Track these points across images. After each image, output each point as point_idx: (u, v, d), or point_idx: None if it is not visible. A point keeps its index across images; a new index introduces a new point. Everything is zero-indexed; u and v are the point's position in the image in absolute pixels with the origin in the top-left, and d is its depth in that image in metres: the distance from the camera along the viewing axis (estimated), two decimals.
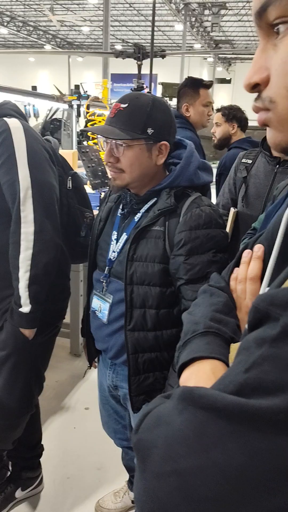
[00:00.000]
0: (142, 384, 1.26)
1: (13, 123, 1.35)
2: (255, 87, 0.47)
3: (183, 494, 0.34)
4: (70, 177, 1.61)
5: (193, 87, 2.47)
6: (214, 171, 2.66)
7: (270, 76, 0.45)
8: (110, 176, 1.28)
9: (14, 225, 1.32)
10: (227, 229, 2.07)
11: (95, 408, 2.44)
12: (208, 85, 2.48)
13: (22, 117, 1.46)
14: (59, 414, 2.42)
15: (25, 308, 1.35)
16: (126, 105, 1.17)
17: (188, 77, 2.64)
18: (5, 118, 1.36)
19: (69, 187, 1.60)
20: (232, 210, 2.09)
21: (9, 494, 1.80)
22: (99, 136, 1.27)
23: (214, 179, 2.67)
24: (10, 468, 1.85)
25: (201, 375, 0.57)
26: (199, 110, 2.47)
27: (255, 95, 0.48)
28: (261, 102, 0.47)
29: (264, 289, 0.58)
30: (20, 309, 1.35)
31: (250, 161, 2.04)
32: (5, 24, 22.20)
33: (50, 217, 1.37)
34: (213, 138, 2.99)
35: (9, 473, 1.86)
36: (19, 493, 1.82)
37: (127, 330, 1.23)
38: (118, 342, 1.29)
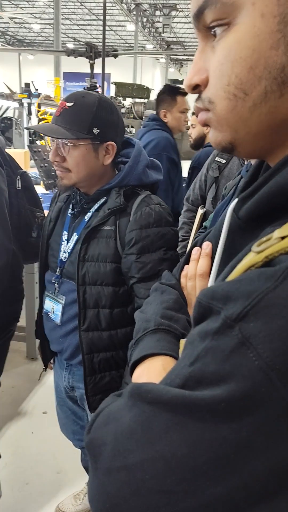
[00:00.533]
0: (98, 384, 1.26)
1: None
2: (196, 88, 0.48)
3: (132, 488, 0.35)
4: (18, 176, 1.57)
5: (171, 94, 2.60)
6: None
7: (209, 78, 0.46)
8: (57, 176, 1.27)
9: None
10: (193, 228, 2.10)
11: (53, 411, 2.40)
12: (185, 92, 2.56)
13: None
14: (16, 419, 2.37)
15: None
16: (71, 104, 1.16)
17: (166, 84, 2.80)
18: None
19: (18, 187, 1.56)
20: (200, 210, 2.09)
21: None
22: (45, 135, 1.25)
23: (186, 173, 2.74)
24: None
25: (152, 371, 0.58)
26: (176, 116, 2.63)
27: None
28: (201, 102, 0.48)
29: (211, 284, 0.60)
30: None
31: (224, 161, 2.02)
32: None
33: (0, 222, 1.34)
34: (189, 139, 3.04)
35: None
36: None
37: (81, 330, 1.23)
38: (72, 343, 1.28)
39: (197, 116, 0.52)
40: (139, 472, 0.35)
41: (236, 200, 0.56)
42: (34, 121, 6.92)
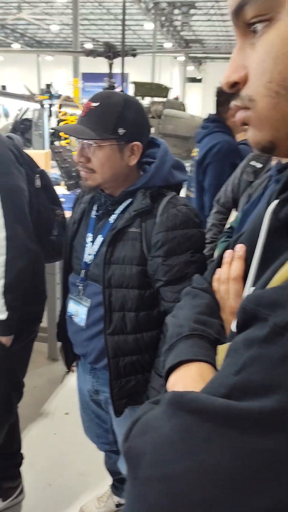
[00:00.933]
0: (123, 388, 1.25)
1: None
2: (234, 86, 0.47)
3: (172, 499, 0.34)
4: (37, 175, 1.57)
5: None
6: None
7: (248, 75, 0.45)
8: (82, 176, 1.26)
9: None
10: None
11: (75, 413, 2.40)
12: None
13: None
14: (38, 420, 2.38)
15: (1, 315, 1.32)
16: (97, 104, 1.14)
17: None
18: None
19: (38, 186, 1.56)
20: (234, 213, 2.03)
21: None
22: (71, 136, 1.24)
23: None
24: None
25: (188, 378, 0.57)
26: None
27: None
28: (241, 100, 0.47)
29: (248, 289, 0.58)
30: None
31: (260, 165, 1.83)
32: None
33: (21, 222, 1.34)
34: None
35: None
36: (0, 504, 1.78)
37: (106, 334, 1.21)
38: (97, 346, 1.27)
39: (235, 115, 0.51)
40: (180, 483, 0.34)
41: (276, 201, 0.54)
42: (53, 122, 6.98)
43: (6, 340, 1.37)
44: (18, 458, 1.82)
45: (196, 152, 2.47)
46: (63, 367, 2.91)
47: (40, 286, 1.59)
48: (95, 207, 1.31)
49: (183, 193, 1.31)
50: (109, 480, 1.80)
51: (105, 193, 1.26)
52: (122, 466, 1.48)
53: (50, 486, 1.95)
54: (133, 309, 1.20)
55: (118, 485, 1.76)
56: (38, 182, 1.56)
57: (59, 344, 2.98)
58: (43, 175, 1.59)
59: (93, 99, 1.16)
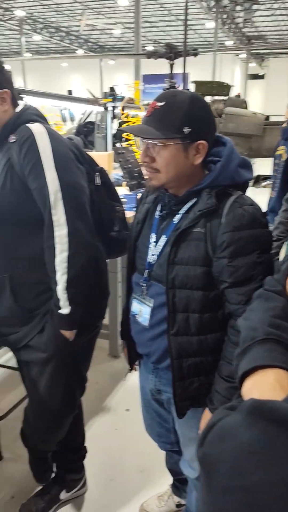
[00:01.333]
0: (187, 390, 1.24)
1: (37, 128, 1.35)
2: None
3: (252, 509, 0.34)
4: (97, 173, 1.61)
5: None
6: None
7: None
8: (146, 176, 1.27)
9: (47, 230, 1.33)
10: None
11: (136, 410, 2.44)
12: None
13: (44, 120, 1.47)
14: (100, 415, 2.43)
15: (65, 310, 1.36)
16: (162, 103, 1.15)
17: None
18: (28, 125, 1.37)
19: (98, 183, 1.60)
20: None
21: (54, 495, 1.82)
22: (135, 136, 1.26)
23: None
24: (55, 469, 1.88)
25: (265, 385, 0.56)
26: None
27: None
28: None
29: None
30: (60, 311, 1.36)
31: None
32: (39, 31, 22.67)
33: (82, 218, 1.37)
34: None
35: (53, 474, 1.88)
36: (63, 495, 1.84)
37: (170, 335, 1.21)
38: (161, 346, 1.28)
39: None
40: (261, 494, 0.33)
41: None
42: (115, 125, 7.10)
43: (69, 334, 1.41)
44: (82, 451, 1.88)
45: (282, 150, 2.37)
46: (124, 364, 2.96)
47: (102, 282, 1.62)
48: (158, 207, 1.32)
49: (249, 192, 1.28)
50: (169, 479, 1.81)
51: (169, 193, 1.27)
52: (184, 467, 1.47)
53: (112, 481, 1.99)
54: (197, 311, 1.19)
55: (179, 485, 1.76)
56: (98, 180, 1.60)
57: (120, 341, 3.04)
58: (102, 173, 1.62)
59: (158, 99, 1.16)
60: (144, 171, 1.26)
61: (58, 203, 1.31)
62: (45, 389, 1.49)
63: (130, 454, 2.15)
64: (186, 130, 1.13)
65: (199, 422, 1.26)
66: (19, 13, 19.88)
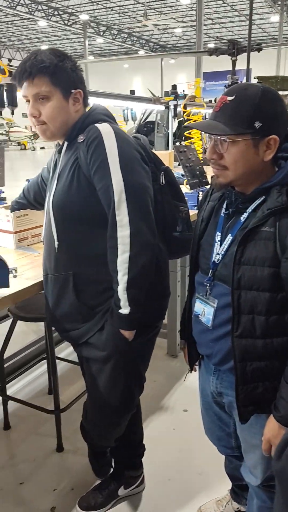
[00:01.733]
0: (250, 394, 1.20)
1: (104, 129, 1.36)
2: None
3: None
4: (162, 172, 1.59)
5: None
6: None
7: None
8: (213, 174, 1.24)
9: (110, 230, 1.34)
10: None
11: (194, 410, 2.42)
12: None
13: (112, 119, 1.47)
14: (157, 414, 2.43)
15: (125, 310, 1.36)
16: (232, 97, 1.11)
17: None
18: (96, 124, 1.38)
19: (162, 183, 1.59)
20: None
21: (112, 491, 1.84)
22: (203, 132, 1.23)
23: None
24: (113, 465, 1.90)
25: None
26: None
27: None
28: None
29: None
30: (120, 311, 1.36)
31: None
32: (102, 33, 23.16)
33: (145, 219, 1.36)
34: None
35: (112, 470, 1.90)
36: (121, 491, 1.86)
37: (234, 336, 1.18)
38: (223, 348, 1.24)
39: None
40: None
41: None
42: (175, 124, 7.07)
43: (128, 334, 1.41)
44: (140, 449, 1.88)
45: None
46: (181, 364, 2.96)
47: (163, 282, 1.61)
48: (224, 205, 1.29)
49: None
50: (228, 484, 1.77)
51: (236, 191, 1.23)
52: (245, 474, 1.43)
53: (170, 481, 1.98)
54: (263, 313, 1.14)
55: (238, 491, 1.71)
56: (162, 179, 1.58)
57: (178, 341, 3.03)
58: (167, 172, 1.61)
59: (228, 93, 1.13)
60: (211, 168, 1.23)
61: (122, 203, 1.32)
62: (104, 387, 1.51)
63: (188, 456, 2.12)
64: (257, 124, 1.08)
65: (262, 428, 1.21)
66: (83, 17, 20.43)
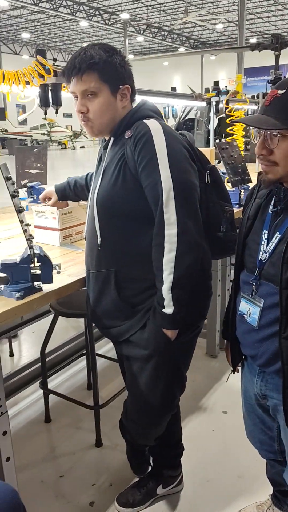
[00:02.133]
0: None
1: (153, 125, 1.34)
2: None
3: None
4: (208, 171, 1.56)
5: None
6: None
7: None
8: (261, 170, 1.20)
9: (157, 228, 1.32)
10: None
11: (234, 412, 2.38)
12: None
13: (159, 116, 1.45)
14: (196, 414, 2.41)
15: (168, 309, 1.34)
16: (283, 91, 1.07)
17: None
18: (144, 121, 1.36)
19: (208, 182, 1.55)
20: None
21: (151, 489, 1.84)
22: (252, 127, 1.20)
23: None
24: (151, 464, 1.89)
25: None
26: None
27: None
28: None
29: None
30: (163, 310, 1.35)
31: None
32: (142, 32, 23.22)
33: (192, 218, 1.34)
34: None
35: (150, 468, 1.90)
36: (160, 490, 1.85)
37: (282, 337, 1.14)
38: (270, 349, 1.21)
39: None
40: None
41: None
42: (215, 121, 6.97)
43: (171, 333, 1.40)
44: (179, 449, 1.87)
45: None
46: (221, 364, 2.92)
47: (206, 282, 1.59)
48: (272, 202, 1.25)
49: None
50: (269, 489, 1.72)
51: (285, 187, 1.19)
52: None
53: (208, 482, 1.95)
54: None
55: (280, 497, 1.66)
56: (208, 178, 1.56)
57: (218, 341, 2.98)
58: (213, 171, 1.58)
59: (279, 86, 1.09)
60: (259, 164, 1.19)
61: (170, 201, 1.29)
62: (145, 385, 1.50)
63: (228, 458, 2.09)
64: None
65: None
66: (124, 16, 20.54)
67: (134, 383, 1.54)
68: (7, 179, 1.35)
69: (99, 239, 1.44)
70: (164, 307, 1.35)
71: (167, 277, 1.32)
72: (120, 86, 1.39)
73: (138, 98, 1.52)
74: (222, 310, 2.98)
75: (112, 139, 1.44)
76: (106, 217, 1.42)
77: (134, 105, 1.46)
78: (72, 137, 24.16)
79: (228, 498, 1.87)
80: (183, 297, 1.35)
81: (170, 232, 1.30)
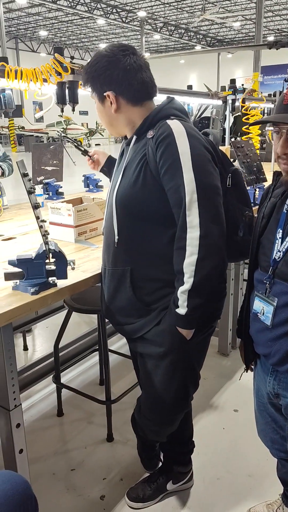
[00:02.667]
0: None
1: (176, 126, 1.32)
2: None
3: None
4: (230, 174, 1.55)
5: None
6: None
7: None
8: (279, 169, 1.20)
9: (179, 231, 1.30)
10: None
11: (245, 411, 2.38)
12: None
13: (185, 115, 1.43)
14: (207, 412, 2.41)
15: (181, 310, 1.33)
16: None
17: None
18: (167, 121, 1.35)
19: (229, 185, 1.54)
20: None
21: (161, 485, 1.85)
22: (267, 126, 1.19)
23: None
24: (162, 459, 1.91)
25: None
26: None
27: None
28: None
29: None
30: (177, 310, 1.34)
31: None
32: (159, 30, 23.16)
33: (215, 221, 1.31)
34: None
35: (160, 463, 1.91)
36: (170, 486, 1.86)
37: None
38: (283, 348, 1.21)
39: None
40: None
41: None
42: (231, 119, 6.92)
43: (186, 333, 1.39)
44: (190, 445, 1.87)
45: None
46: (232, 363, 2.91)
47: (221, 284, 1.58)
48: (287, 202, 1.25)
49: None
50: (280, 488, 1.72)
51: None
52: None
53: (218, 480, 1.95)
54: None
55: None
56: (229, 181, 1.54)
57: (230, 340, 2.98)
58: (235, 174, 1.56)
59: None
60: (268, 165, 1.19)
61: (193, 204, 1.27)
62: (160, 383, 1.51)
63: (238, 456, 2.09)
64: None
65: None
66: (141, 14, 20.52)
67: (148, 380, 1.55)
68: (24, 175, 1.37)
69: (116, 237, 1.44)
70: (178, 307, 1.34)
71: (187, 280, 1.29)
72: (104, 94, 1.40)
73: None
74: (235, 309, 2.97)
75: (134, 137, 1.42)
76: (124, 216, 1.42)
77: (153, 104, 1.45)
78: (88, 135, 24.25)
79: (238, 496, 1.87)
80: (199, 301, 1.33)
81: (193, 235, 1.27)
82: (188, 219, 1.27)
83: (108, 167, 1.82)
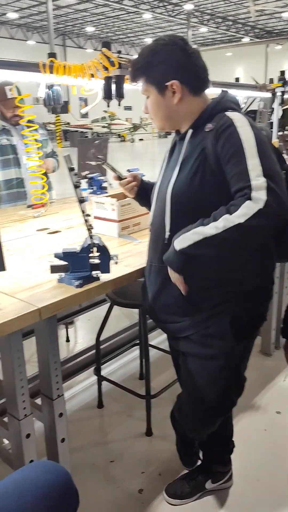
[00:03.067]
0: None
1: (237, 117, 1.29)
2: None
3: None
4: (285, 172, 1.49)
5: None
6: None
7: None
8: None
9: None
10: None
11: (287, 413, 2.32)
12: None
13: (239, 108, 1.40)
14: (249, 412, 2.37)
15: (178, 245, 1.28)
16: None
17: None
18: (226, 113, 1.32)
19: None
20: None
21: (200, 483, 1.83)
22: None
23: None
24: (201, 457, 1.89)
25: None
26: None
27: None
28: None
29: None
30: (175, 243, 1.29)
31: None
32: (205, 22, 22.83)
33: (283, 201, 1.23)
34: None
35: (199, 462, 1.90)
36: (209, 485, 1.84)
37: None
38: None
39: None
40: None
41: None
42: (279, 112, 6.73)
43: (172, 274, 1.35)
44: (229, 445, 1.85)
45: None
46: (275, 363, 2.84)
47: (268, 285, 1.53)
48: None
49: None
50: None
51: None
52: None
53: (258, 482, 1.91)
54: None
55: None
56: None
57: (273, 339, 2.91)
58: None
59: None
60: None
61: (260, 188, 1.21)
62: (203, 384, 1.49)
63: (280, 459, 2.04)
64: None
65: None
66: (188, 6, 20.29)
67: (190, 380, 1.53)
68: (71, 169, 1.38)
69: (167, 233, 1.39)
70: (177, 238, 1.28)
71: (216, 225, 1.20)
72: (166, 84, 1.35)
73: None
74: (279, 308, 2.89)
75: (190, 131, 1.39)
76: (179, 211, 1.37)
77: (208, 96, 1.42)
78: (131, 130, 24.36)
79: (278, 498, 1.83)
80: (206, 251, 1.25)
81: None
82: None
83: (145, 187, 1.72)
